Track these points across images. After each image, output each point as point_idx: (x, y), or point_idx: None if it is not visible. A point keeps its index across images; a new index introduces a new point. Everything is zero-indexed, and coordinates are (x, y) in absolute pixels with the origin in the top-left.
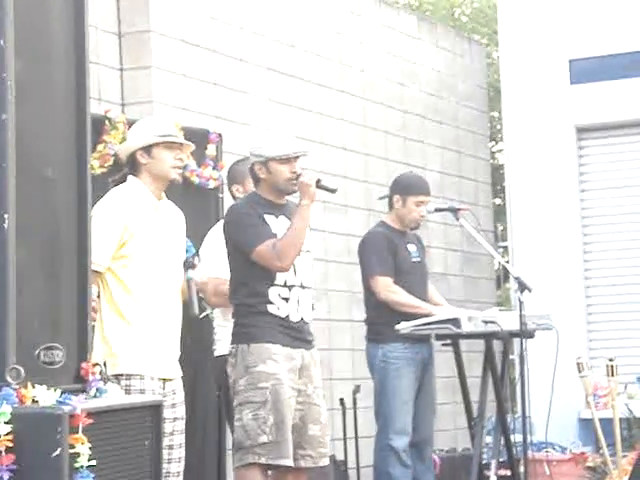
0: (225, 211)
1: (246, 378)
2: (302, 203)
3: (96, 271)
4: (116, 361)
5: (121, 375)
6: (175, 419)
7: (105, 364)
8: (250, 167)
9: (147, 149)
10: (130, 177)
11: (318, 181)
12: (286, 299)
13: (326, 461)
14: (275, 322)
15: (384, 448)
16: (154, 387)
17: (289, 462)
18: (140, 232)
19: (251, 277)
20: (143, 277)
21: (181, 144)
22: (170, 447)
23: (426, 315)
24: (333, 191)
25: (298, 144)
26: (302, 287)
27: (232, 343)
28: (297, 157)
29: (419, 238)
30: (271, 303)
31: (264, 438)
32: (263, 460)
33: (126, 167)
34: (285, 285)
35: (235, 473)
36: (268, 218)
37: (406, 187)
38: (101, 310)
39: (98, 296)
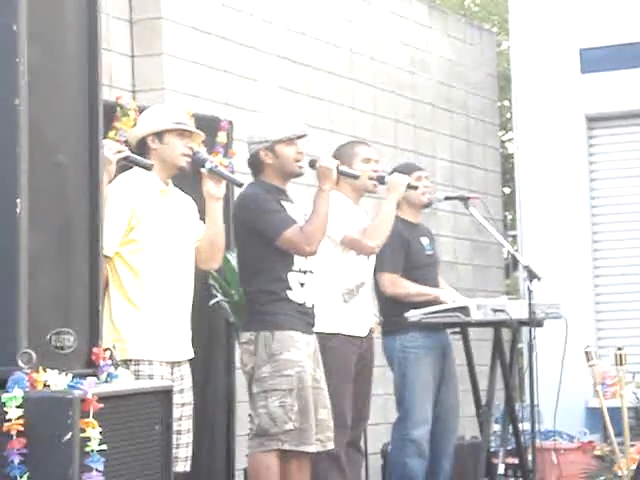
0: (236, 198)
1: (271, 365)
2: (323, 188)
3: (105, 255)
4: (124, 346)
5: (130, 360)
6: (183, 404)
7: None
8: (252, 156)
9: (159, 135)
10: None
11: (337, 166)
12: (302, 284)
13: (332, 445)
14: (294, 308)
15: (403, 438)
16: (163, 372)
17: (311, 448)
18: (148, 217)
19: (271, 263)
20: (152, 262)
21: (191, 133)
22: (178, 432)
23: (433, 300)
24: (356, 177)
25: (298, 124)
26: (311, 272)
27: (250, 330)
28: (300, 137)
29: (429, 230)
30: (290, 289)
31: (290, 425)
32: (286, 446)
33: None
34: (300, 271)
35: (251, 457)
36: (284, 204)
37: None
38: (110, 295)
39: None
